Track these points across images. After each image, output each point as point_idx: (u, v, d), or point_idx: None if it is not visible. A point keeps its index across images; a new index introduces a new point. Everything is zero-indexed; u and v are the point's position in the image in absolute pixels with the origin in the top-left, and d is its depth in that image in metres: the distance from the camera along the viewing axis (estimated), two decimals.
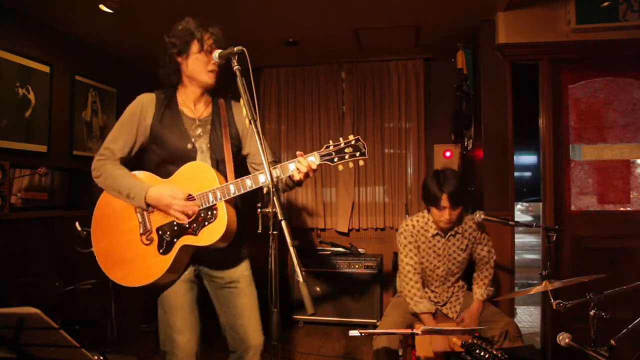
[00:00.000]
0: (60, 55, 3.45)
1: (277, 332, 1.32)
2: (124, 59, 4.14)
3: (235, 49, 1.56)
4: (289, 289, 4.01)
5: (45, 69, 3.30)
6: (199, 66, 1.74)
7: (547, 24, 3.16)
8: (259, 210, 1.40)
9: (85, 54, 3.74)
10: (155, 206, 1.70)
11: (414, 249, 2.47)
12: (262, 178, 1.63)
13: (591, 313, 1.78)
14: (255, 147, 1.86)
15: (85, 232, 2.56)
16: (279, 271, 1.33)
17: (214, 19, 1.79)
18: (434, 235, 2.46)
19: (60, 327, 1.10)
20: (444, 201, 2.28)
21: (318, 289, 3.97)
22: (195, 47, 1.72)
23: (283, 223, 1.33)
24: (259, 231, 1.39)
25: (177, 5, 2.92)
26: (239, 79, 1.53)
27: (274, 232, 1.34)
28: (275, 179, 1.56)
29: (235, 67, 1.54)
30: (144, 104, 1.78)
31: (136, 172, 1.78)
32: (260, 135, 1.47)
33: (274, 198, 1.36)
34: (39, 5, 3.04)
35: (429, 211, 2.46)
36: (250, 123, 1.48)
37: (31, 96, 3.17)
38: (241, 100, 1.49)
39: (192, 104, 1.83)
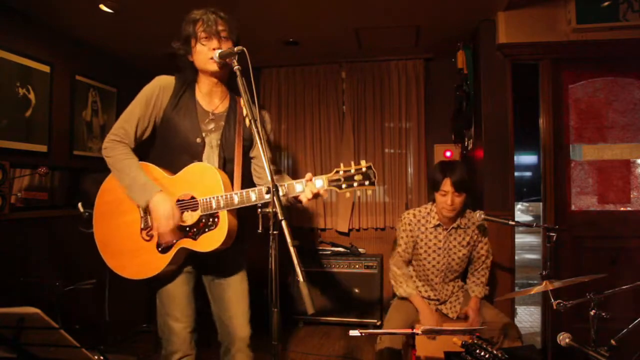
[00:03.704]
0: (60, 55, 3.45)
1: (277, 332, 1.32)
2: (124, 59, 4.14)
3: (236, 49, 1.57)
4: (289, 289, 4.01)
5: (46, 68, 3.29)
6: (200, 58, 1.75)
7: (548, 23, 3.17)
8: (259, 210, 1.40)
9: (85, 54, 3.73)
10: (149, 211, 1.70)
11: (406, 237, 2.53)
12: (267, 195, 1.60)
13: (591, 313, 1.78)
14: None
15: (87, 214, 2.61)
16: (279, 271, 1.32)
17: None
18: (435, 227, 2.48)
19: (60, 327, 1.10)
20: (446, 185, 2.34)
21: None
22: (193, 42, 1.74)
23: (283, 223, 1.33)
24: (259, 231, 1.39)
25: (177, 5, 2.91)
26: (239, 79, 1.53)
27: (274, 232, 1.34)
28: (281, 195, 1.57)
29: (236, 67, 1.54)
30: (162, 87, 1.78)
31: (144, 163, 1.77)
32: (261, 135, 1.46)
33: (274, 198, 1.36)
34: (39, 5, 3.03)
35: (434, 201, 2.48)
36: (250, 123, 1.48)
37: (31, 96, 3.17)
38: (241, 100, 1.49)
39: (207, 95, 1.83)
